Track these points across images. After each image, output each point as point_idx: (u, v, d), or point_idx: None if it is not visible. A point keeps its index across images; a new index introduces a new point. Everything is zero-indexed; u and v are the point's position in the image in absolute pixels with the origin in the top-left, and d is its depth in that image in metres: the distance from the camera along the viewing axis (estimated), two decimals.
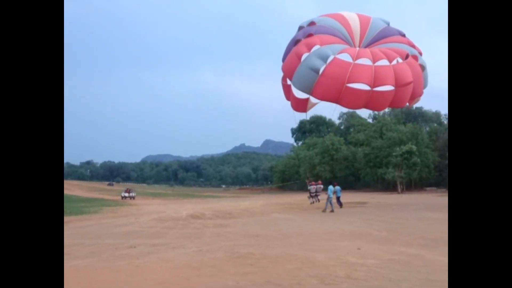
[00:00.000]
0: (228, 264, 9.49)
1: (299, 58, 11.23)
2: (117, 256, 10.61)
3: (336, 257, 9.91)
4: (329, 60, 10.85)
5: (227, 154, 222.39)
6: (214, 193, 76.06)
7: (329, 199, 25.12)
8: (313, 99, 11.27)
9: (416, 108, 77.50)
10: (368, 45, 12.17)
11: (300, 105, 11.95)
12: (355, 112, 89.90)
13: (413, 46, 12.33)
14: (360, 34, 12.29)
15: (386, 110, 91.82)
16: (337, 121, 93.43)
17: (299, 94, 11.60)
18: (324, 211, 24.47)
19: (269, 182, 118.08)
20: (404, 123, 71.51)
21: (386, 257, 9.82)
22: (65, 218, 22.73)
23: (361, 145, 71.97)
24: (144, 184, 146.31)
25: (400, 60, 11.37)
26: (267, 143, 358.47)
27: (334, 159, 75.25)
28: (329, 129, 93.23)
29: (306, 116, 13.08)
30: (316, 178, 48.51)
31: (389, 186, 65.06)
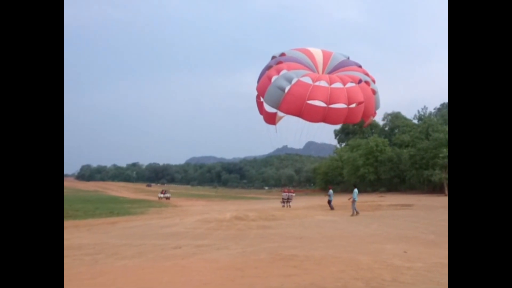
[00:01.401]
0: (272, 265, 9.51)
1: (270, 79, 13.43)
2: (163, 257, 10.81)
3: (382, 260, 9.77)
4: (293, 81, 13.08)
5: (269, 155, 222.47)
6: (257, 195, 76.41)
7: (354, 203, 24.80)
8: (280, 113, 13.40)
9: None
10: (328, 73, 14.63)
11: (270, 118, 14.11)
12: (400, 112, 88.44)
13: (367, 74, 14.62)
14: (323, 64, 14.96)
15: (433, 110, 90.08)
16: (381, 122, 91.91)
17: (269, 109, 13.74)
18: (352, 215, 24.16)
19: (311, 184, 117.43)
20: None
21: (433, 260, 9.60)
22: (113, 219, 23.38)
23: (406, 146, 70.40)
24: (188, 186, 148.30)
25: (353, 84, 13.50)
26: (309, 144, 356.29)
27: (378, 161, 73.94)
28: (373, 130, 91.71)
29: (276, 129, 14.54)
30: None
31: (435, 188, 63.33)
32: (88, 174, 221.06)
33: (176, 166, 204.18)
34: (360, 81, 13.66)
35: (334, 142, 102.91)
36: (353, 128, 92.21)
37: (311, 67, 14.49)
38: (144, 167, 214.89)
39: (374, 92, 13.77)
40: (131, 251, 11.79)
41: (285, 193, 34.84)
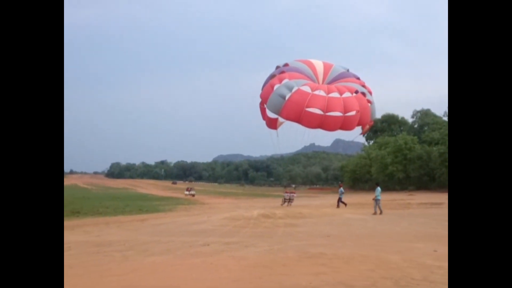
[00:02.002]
0: (300, 263, 9.48)
1: (272, 88, 14.52)
2: (192, 254, 10.89)
3: (411, 259, 9.64)
4: (294, 90, 14.05)
5: (296, 153, 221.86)
6: (284, 193, 76.25)
7: (378, 202, 24.48)
8: (280, 119, 14.44)
9: None
10: (328, 83, 15.47)
11: (272, 124, 15.20)
12: (429, 109, 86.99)
13: (364, 86, 15.56)
14: (323, 75, 15.80)
15: None
16: (410, 120, 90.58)
17: (271, 115, 14.74)
18: (375, 213, 23.90)
19: (339, 182, 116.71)
20: None
21: None
22: (142, 216, 23.68)
23: (436, 144, 69.15)
24: (216, 183, 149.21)
25: (349, 94, 14.34)
26: (337, 142, 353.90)
27: (407, 159, 72.88)
28: (401, 128, 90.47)
29: (277, 134, 15.49)
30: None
31: None
32: (118, 171, 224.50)
33: (203, 164, 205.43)
34: (356, 92, 14.47)
35: (362, 139, 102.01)
36: (382, 126, 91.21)
37: (311, 77, 15.54)
38: (172, 165, 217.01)
39: (370, 102, 14.70)
40: (160, 248, 11.92)
41: (287, 194, 36.93)
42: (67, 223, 19.30)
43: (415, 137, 76.29)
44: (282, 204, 35.11)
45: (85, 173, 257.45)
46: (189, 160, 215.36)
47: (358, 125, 14.91)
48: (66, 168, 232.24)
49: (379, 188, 25.59)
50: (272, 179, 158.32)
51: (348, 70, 16.78)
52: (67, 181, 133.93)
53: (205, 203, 40.04)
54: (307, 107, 13.66)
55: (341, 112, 13.81)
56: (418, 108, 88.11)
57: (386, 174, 73.35)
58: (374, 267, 8.86)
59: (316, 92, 13.84)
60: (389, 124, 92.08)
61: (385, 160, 73.90)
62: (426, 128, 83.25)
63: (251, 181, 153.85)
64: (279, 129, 15.00)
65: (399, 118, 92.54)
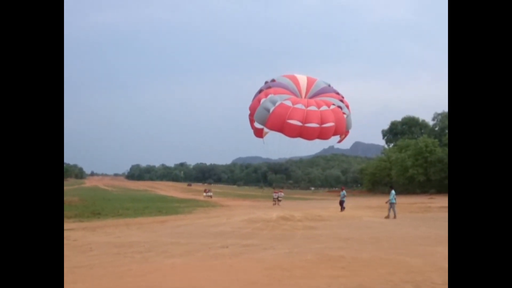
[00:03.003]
0: (319, 266, 9.46)
1: (259, 102, 16.26)
2: (211, 255, 10.95)
3: (432, 262, 9.55)
4: (277, 104, 15.83)
5: (315, 156, 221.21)
6: (303, 195, 76.07)
7: (392, 205, 24.09)
8: (265, 129, 16.12)
9: None
10: (310, 97, 17.25)
11: (258, 133, 16.70)
12: None
13: (342, 100, 17.11)
14: (306, 89, 17.51)
15: None
16: (430, 123, 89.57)
17: (258, 126, 16.35)
18: (387, 217, 23.56)
19: (358, 185, 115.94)
20: None
21: None
22: (162, 218, 23.82)
23: None
24: (235, 186, 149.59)
25: (326, 108, 16.05)
26: (356, 145, 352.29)
27: (428, 162, 72.07)
28: (422, 131, 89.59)
29: (263, 142, 17.57)
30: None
31: None
32: (138, 173, 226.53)
33: (222, 166, 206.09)
34: (333, 105, 16.24)
35: (382, 142, 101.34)
36: (402, 128, 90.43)
37: (295, 92, 17.40)
38: (191, 167, 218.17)
39: (345, 114, 16.56)
40: (180, 249, 11.99)
41: (275, 194, 41.04)
42: (88, 224, 19.55)
43: (436, 140, 75.41)
44: (274, 204, 39.04)
45: (106, 175, 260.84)
46: (208, 162, 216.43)
47: (334, 134, 16.86)
48: (87, 170, 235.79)
49: (393, 192, 25.21)
50: (291, 181, 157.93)
51: (329, 85, 18.40)
52: (89, 183, 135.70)
53: (224, 205, 40.12)
54: (288, 119, 15.58)
55: (318, 123, 15.71)
56: (439, 111, 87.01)
57: (406, 177, 72.68)
58: (394, 271, 8.80)
59: (297, 106, 15.77)
60: (410, 126, 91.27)
61: (405, 163, 73.21)
62: (447, 131, 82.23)
63: (270, 183, 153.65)
64: (266, 137, 16.93)
65: (420, 121, 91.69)
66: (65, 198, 41.31)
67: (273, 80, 17.36)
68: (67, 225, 18.94)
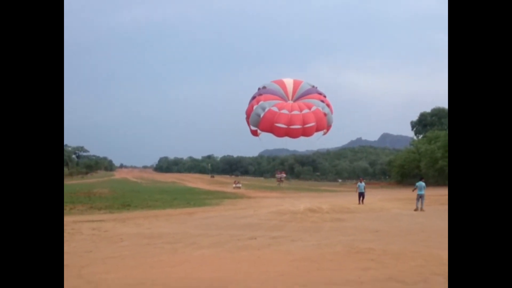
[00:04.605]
0: (348, 258, 9.42)
1: (252, 108, 19.26)
2: (239, 247, 11.01)
3: None
4: (266, 110, 18.93)
5: (343, 148, 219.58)
6: (330, 187, 75.55)
7: (421, 197, 23.42)
8: (259, 131, 19.26)
9: None
10: (296, 99, 20.39)
11: (254, 133, 19.71)
12: None
13: (323, 101, 20.08)
14: (292, 93, 20.53)
15: None
16: None
17: (253, 127, 19.51)
18: (416, 209, 22.98)
19: (387, 177, 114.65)
20: None
21: None
22: (190, 209, 24.06)
23: None
24: (262, 178, 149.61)
25: (307, 110, 19.11)
26: (384, 136, 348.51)
27: None
28: None
29: (260, 139, 20.34)
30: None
31: None
32: (166, 166, 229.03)
33: (249, 158, 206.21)
34: (313, 107, 19.20)
35: (410, 134, 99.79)
36: (431, 119, 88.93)
37: (282, 96, 20.29)
38: (218, 159, 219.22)
39: (325, 114, 19.32)
40: (208, 241, 12.09)
41: (278, 175, 49.44)
42: (118, 215, 19.89)
43: None
44: (278, 185, 46.28)
45: (135, 167, 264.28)
46: (235, 154, 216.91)
47: (316, 131, 19.49)
48: (117, 162, 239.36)
49: (421, 183, 24.46)
50: (318, 173, 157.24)
51: (313, 87, 21.14)
52: (118, 175, 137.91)
53: (251, 197, 40.23)
54: (275, 122, 18.73)
55: (300, 125, 18.81)
56: None
57: (436, 169, 71.41)
58: (425, 263, 8.70)
59: (282, 111, 19.00)
60: (439, 118, 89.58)
61: (435, 155, 71.90)
62: None
63: (297, 175, 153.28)
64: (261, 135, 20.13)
65: None
66: (95, 190, 42.16)
67: (264, 87, 20.61)
68: (98, 216, 19.32)
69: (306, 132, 19.41)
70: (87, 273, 8.03)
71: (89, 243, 11.69)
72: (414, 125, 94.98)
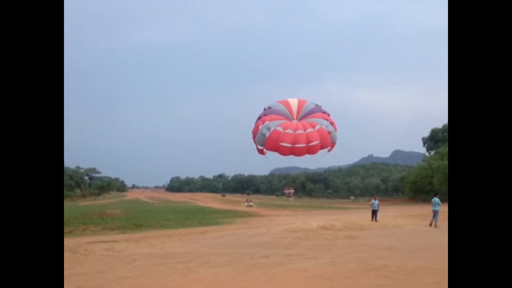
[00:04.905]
0: (362, 276, 9.35)
1: (258, 128, 19.68)
2: (253, 265, 10.97)
3: None
4: (271, 130, 19.30)
5: (354, 165, 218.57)
6: (342, 205, 75.08)
7: (435, 213, 23.33)
8: (264, 150, 19.60)
9: None
10: (300, 118, 20.81)
11: (260, 151, 19.96)
12: None
13: (327, 119, 20.17)
14: (297, 112, 21.02)
15: None
16: None
17: (259, 147, 19.83)
18: (431, 225, 22.90)
19: (399, 193, 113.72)
20: None
21: None
22: (203, 229, 24.03)
23: None
24: (273, 196, 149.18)
25: (311, 129, 19.46)
26: (396, 153, 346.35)
27: None
28: None
29: (266, 157, 20.75)
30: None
31: None
32: (177, 185, 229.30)
33: (260, 177, 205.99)
34: (317, 126, 19.59)
35: (422, 150, 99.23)
36: (443, 135, 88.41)
37: (287, 116, 20.90)
38: (230, 178, 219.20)
39: (329, 132, 19.63)
40: (222, 259, 12.07)
41: (286, 191, 53.01)
42: (131, 235, 19.92)
43: None
44: (287, 200, 51.99)
45: (147, 188, 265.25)
46: (246, 173, 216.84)
47: (321, 149, 19.78)
48: (129, 183, 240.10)
49: (436, 199, 24.38)
50: (330, 191, 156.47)
51: (317, 105, 21.67)
52: (130, 195, 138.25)
53: (263, 215, 40.09)
54: (280, 142, 19.22)
55: (305, 143, 19.20)
56: None
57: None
58: (440, 279, 8.61)
59: (287, 131, 19.51)
60: None
61: (447, 171, 71.37)
62: None
63: (308, 193, 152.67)
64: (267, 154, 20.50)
65: None
66: (108, 211, 42.29)
67: (269, 107, 21.36)
68: (111, 236, 19.36)
69: (310, 150, 19.97)
70: None
71: (103, 263, 11.72)
72: (425, 141, 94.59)
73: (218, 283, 8.94)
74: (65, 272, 10.26)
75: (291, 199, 45.11)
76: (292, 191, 46.02)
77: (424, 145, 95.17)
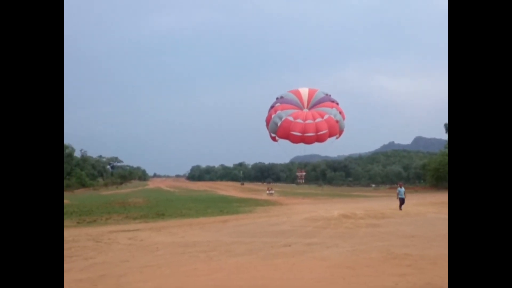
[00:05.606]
0: (384, 264, 9.31)
1: (271, 117, 21.43)
2: (274, 254, 11.00)
3: None
4: (282, 119, 20.92)
5: (375, 152, 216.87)
6: (363, 193, 74.66)
7: None
8: (277, 137, 21.30)
9: None
10: (310, 107, 22.30)
11: (273, 139, 21.66)
12: None
13: (335, 107, 21.82)
14: (307, 101, 22.48)
15: None
16: None
17: (272, 134, 21.54)
18: None
19: (421, 181, 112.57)
20: None
21: None
22: (224, 217, 24.18)
23: None
24: (293, 184, 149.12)
25: (320, 119, 20.92)
26: (418, 140, 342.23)
27: None
28: None
29: (279, 144, 22.30)
30: None
31: None
32: (198, 174, 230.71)
33: (281, 165, 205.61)
34: (326, 115, 21.20)
35: (444, 136, 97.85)
36: None
37: (298, 105, 22.37)
38: (250, 166, 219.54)
39: (337, 121, 21.34)
40: (242, 248, 12.13)
41: (298, 173, 45.26)
42: (153, 224, 20.16)
43: None
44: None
45: (168, 176, 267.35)
46: (266, 161, 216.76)
47: (329, 137, 21.34)
48: (150, 172, 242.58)
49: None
50: (350, 179, 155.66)
51: (327, 95, 22.95)
52: (152, 184, 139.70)
53: (283, 204, 40.16)
54: (291, 131, 20.80)
55: (314, 132, 20.78)
56: None
57: None
58: None
59: (297, 120, 21.04)
60: None
61: None
62: None
63: (329, 181, 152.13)
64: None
65: None
66: (130, 200, 42.87)
67: (281, 97, 22.89)
68: (133, 225, 19.63)
69: (319, 139, 21.46)
70: (124, 283, 8.16)
71: (126, 252, 11.88)
72: (447, 127, 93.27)
73: (239, 271, 8.99)
74: (89, 261, 10.47)
75: (302, 182, 44.77)
76: (304, 173, 44.78)
77: (446, 132, 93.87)
